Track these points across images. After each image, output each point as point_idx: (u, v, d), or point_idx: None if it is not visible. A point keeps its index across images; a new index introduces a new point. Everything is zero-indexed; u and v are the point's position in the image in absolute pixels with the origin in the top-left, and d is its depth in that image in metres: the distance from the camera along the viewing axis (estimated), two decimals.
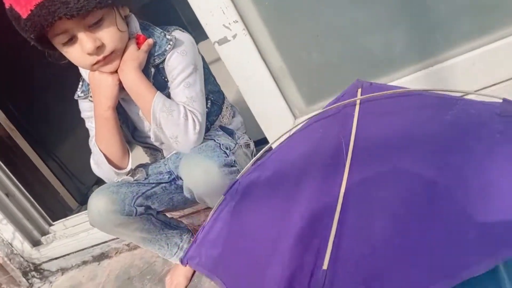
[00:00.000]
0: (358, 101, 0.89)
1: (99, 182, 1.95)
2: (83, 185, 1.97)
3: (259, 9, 1.12)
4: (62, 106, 1.94)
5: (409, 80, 1.12)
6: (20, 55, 1.75)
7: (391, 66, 1.13)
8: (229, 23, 1.11)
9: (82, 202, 1.91)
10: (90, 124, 1.11)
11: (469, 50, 1.07)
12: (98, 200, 1.06)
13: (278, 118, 1.23)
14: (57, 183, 1.85)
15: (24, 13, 0.84)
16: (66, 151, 1.96)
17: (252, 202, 0.89)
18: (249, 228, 0.84)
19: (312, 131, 0.95)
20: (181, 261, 0.84)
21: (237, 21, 1.11)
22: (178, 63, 1.01)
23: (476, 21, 1.06)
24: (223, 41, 1.13)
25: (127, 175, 1.09)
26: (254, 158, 0.89)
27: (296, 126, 0.97)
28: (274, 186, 0.87)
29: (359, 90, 0.93)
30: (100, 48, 0.91)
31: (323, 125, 0.94)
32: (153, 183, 1.12)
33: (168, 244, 1.18)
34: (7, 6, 0.88)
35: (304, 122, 0.98)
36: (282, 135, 0.97)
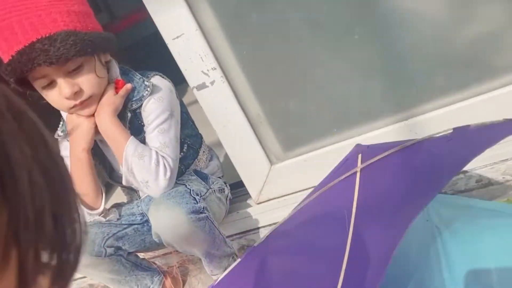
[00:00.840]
0: (358, 170, 0.94)
1: None
2: None
3: (237, 57, 1.17)
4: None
5: (384, 131, 1.16)
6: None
7: (367, 117, 1.17)
8: (208, 70, 1.16)
9: None
10: (67, 162, 1.15)
11: (444, 105, 1.12)
12: None
13: (255, 163, 1.27)
14: None
15: (5, 58, 0.89)
16: None
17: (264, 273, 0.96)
18: None
19: (315, 206, 1.02)
20: None
21: (215, 68, 1.16)
22: (154, 109, 1.05)
23: (451, 77, 1.10)
24: (201, 86, 1.18)
25: (99, 215, 1.12)
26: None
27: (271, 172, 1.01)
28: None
29: (359, 157, 0.99)
30: (78, 93, 0.96)
31: (325, 198, 1.00)
32: (125, 224, 1.15)
33: (138, 286, 1.19)
34: None
35: (305, 197, 1.04)
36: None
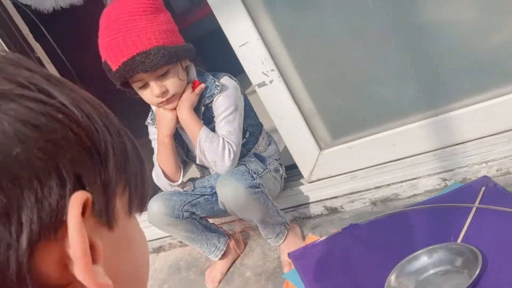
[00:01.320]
0: (475, 207, 1.15)
1: (158, 191, 2.35)
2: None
3: (292, 61, 1.41)
4: (132, 127, 2.37)
5: (416, 125, 1.35)
6: (109, 89, 2.21)
7: (401, 113, 1.37)
8: (267, 71, 1.41)
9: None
10: (154, 144, 1.47)
11: (469, 104, 1.28)
12: (155, 204, 1.41)
13: (307, 149, 1.51)
14: None
15: (114, 67, 1.21)
16: None
17: (356, 249, 1.26)
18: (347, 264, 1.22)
19: (421, 216, 1.25)
20: (288, 254, 1.30)
21: (273, 70, 1.41)
22: (223, 104, 1.33)
23: (475, 80, 1.27)
24: (261, 85, 1.44)
25: (178, 186, 1.43)
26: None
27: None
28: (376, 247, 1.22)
29: (482, 191, 1.20)
30: (164, 92, 1.26)
31: (434, 213, 1.23)
32: (198, 194, 1.46)
33: (208, 244, 1.50)
34: (103, 59, 1.25)
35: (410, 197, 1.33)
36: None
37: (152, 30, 1.19)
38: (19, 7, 1.96)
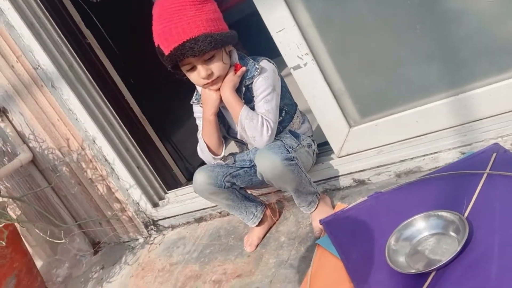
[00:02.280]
0: (485, 175, 1.29)
1: (202, 164, 2.56)
2: (190, 165, 2.58)
3: (325, 45, 1.57)
4: (178, 106, 2.59)
5: (437, 104, 1.50)
6: (152, 68, 2.43)
7: (424, 92, 1.52)
8: (302, 55, 1.58)
9: (189, 178, 2.52)
10: (199, 122, 1.66)
11: (486, 84, 1.42)
12: (200, 175, 1.61)
13: (337, 126, 1.68)
14: (172, 162, 2.48)
15: (166, 52, 1.40)
16: (179, 138, 2.58)
17: (380, 214, 1.42)
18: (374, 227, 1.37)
19: (437, 182, 1.40)
20: (319, 221, 1.47)
21: (307, 53, 1.57)
22: (262, 85, 1.51)
23: (493, 62, 1.41)
24: (296, 67, 1.61)
25: (220, 159, 1.63)
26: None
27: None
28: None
29: (493, 156, 1.34)
30: (210, 75, 1.44)
31: (447, 180, 1.38)
32: (238, 167, 1.65)
33: (246, 212, 1.70)
34: (156, 44, 1.45)
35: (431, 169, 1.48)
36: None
37: (200, 19, 1.37)
38: None
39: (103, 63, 2.24)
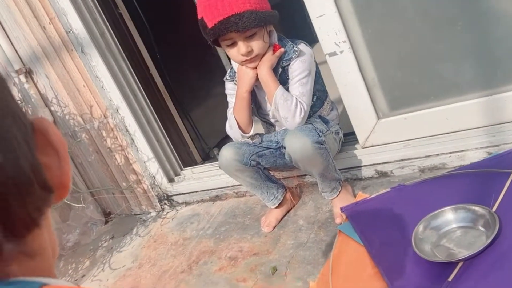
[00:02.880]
0: None
1: (219, 145, 2.58)
2: (207, 146, 2.60)
3: (363, 34, 1.59)
4: (200, 84, 2.60)
5: (469, 103, 1.52)
6: (179, 44, 2.44)
7: (457, 90, 1.54)
8: (339, 42, 1.60)
9: (204, 158, 2.55)
10: (230, 99, 1.68)
11: None
12: (227, 151, 1.63)
13: (365, 116, 1.70)
14: (189, 140, 2.50)
15: (210, 25, 1.42)
16: (198, 117, 2.60)
17: (403, 206, 1.44)
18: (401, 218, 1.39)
19: (462, 179, 1.43)
20: (341, 208, 1.51)
21: (345, 41, 1.59)
22: (298, 68, 1.53)
23: None
24: (332, 54, 1.63)
25: (248, 138, 1.65)
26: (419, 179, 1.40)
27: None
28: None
29: None
30: (250, 52, 1.46)
31: (474, 177, 1.41)
32: (264, 147, 1.67)
33: (267, 193, 1.72)
34: (199, 16, 1.46)
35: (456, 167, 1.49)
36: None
37: None
38: None
39: (132, 35, 2.25)
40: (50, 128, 0.38)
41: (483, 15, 1.42)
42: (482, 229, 1.18)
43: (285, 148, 1.58)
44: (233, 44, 1.47)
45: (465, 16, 1.44)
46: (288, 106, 1.50)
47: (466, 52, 1.50)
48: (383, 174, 1.72)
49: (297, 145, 1.47)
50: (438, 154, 1.59)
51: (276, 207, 1.74)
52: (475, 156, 1.53)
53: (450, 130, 1.59)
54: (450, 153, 1.57)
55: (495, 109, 1.50)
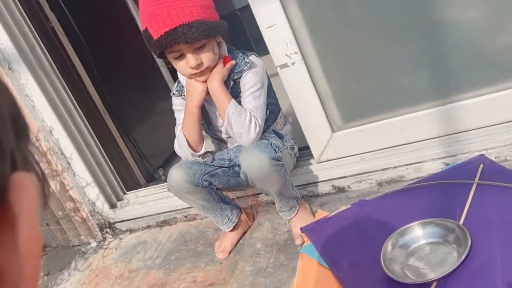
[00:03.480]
0: (475, 183, 1.28)
1: (164, 165, 2.43)
2: (151, 166, 2.44)
3: (314, 45, 1.53)
4: (142, 100, 2.45)
5: (423, 113, 1.50)
6: (118, 59, 2.29)
7: (410, 100, 1.51)
8: (290, 53, 1.53)
9: (149, 180, 2.38)
10: (178, 115, 1.56)
11: (474, 96, 1.44)
12: (176, 172, 1.50)
13: (319, 130, 1.64)
14: (132, 161, 2.33)
15: (155, 36, 1.30)
16: (141, 136, 2.44)
17: (365, 222, 1.38)
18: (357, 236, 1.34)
19: (424, 193, 1.38)
20: (301, 228, 1.41)
21: (296, 52, 1.52)
22: (250, 80, 1.44)
23: (481, 74, 1.42)
24: (283, 66, 1.55)
25: (199, 157, 1.53)
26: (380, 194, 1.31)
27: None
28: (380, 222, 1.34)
29: (480, 167, 1.33)
30: (199, 65, 1.35)
31: (436, 190, 1.36)
32: (217, 166, 1.56)
33: (221, 215, 1.60)
34: (143, 27, 1.34)
35: (417, 179, 1.45)
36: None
37: (195, 4, 1.29)
38: None
39: (66, 50, 2.08)
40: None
41: (434, 25, 1.41)
42: (452, 245, 1.13)
43: (239, 166, 1.47)
44: (181, 56, 1.36)
45: (416, 27, 1.42)
46: (242, 121, 1.40)
47: (419, 62, 1.47)
48: (341, 190, 1.65)
49: (253, 162, 1.37)
50: (395, 167, 1.55)
51: (231, 230, 1.63)
52: (432, 167, 1.50)
53: (406, 142, 1.56)
54: (407, 165, 1.53)
55: (449, 119, 1.48)
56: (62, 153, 1.99)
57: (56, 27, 2.04)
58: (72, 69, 2.08)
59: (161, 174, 2.38)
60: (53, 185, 2.07)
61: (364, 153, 1.62)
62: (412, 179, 1.53)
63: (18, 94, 1.88)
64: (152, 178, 2.41)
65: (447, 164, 1.48)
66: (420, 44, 1.45)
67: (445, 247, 1.14)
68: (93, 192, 2.06)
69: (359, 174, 1.61)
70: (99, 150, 2.10)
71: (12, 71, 1.85)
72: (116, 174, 2.15)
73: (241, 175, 1.46)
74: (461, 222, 1.19)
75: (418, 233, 1.19)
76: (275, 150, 1.40)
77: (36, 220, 0.28)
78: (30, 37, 1.86)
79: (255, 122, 1.41)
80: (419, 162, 1.52)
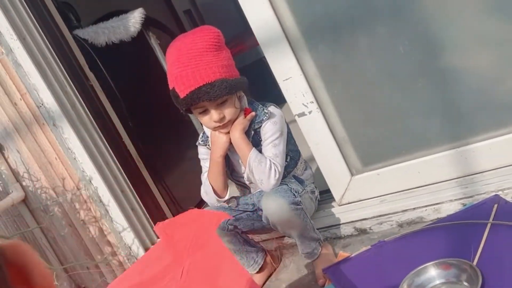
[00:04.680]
0: (489, 224, 1.32)
1: (194, 208, 2.53)
2: (182, 210, 2.55)
3: (329, 95, 1.62)
4: (173, 148, 2.60)
5: (439, 156, 1.55)
6: (151, 111, 2.46)
7: (426, 144, 1.57)
8: (307, 103, 1.63)
9: None
10: (204, 164, 1.67)
11: (486, 138, 1.48)
12: None
13: (339, 174, 1.70)
14: (165, 206, 2.45)
15: (181, 95, 1.43)
16: (172, 182, 2.56)
17: (385, 263, 1.43)
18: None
19: (441, 233, 1.42)
20: (323, 270, 1.47)
21: (313, 102, 1.62)
22: (270, 129, 1.54)
23: (493, 117, 1.47)
24: (301, 115, 1.65)
25: (224, 202, 1.63)
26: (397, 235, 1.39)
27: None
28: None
29: (495, 208, 1.38)
30: (222, 118, 1.47)
31: (452, 230, 1.40)
32: (241, 210, 1.64)
33: (247, 257, 1.67)
34: (170, 87, 1.47)
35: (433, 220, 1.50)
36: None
37: (216, 65, 1.41)
38: (78, 41, 2.21)
39: (104, 105, 2.25)
40: (28, 261, 0.33)
41: (443, 71, 1.48)
42: (466, 284, 1.16)
43: (261, 210, 1.55)
44: (205, 111, 1.48)
45: (426, 73, 1.50)
46: (262, 168, 1.49)
47: (431, 107, 1.54)
48: (362, 231, 1.70)
49: (274, 207, 1.45)
50: (414, 208, 1.59)
51: (257, 272, 1.69)
52: (451, 208, 1.53)
53: (423, 184, 1.60)
54: (426, 206, 1.57)
55: (464, 161, 1.52)
56: (101, 201, 2.12)
57: (94, 85, 2.22)
58: (109, 122, 2.25)
59: None
60: (92, 230, 2.20)
61: (383, 195, 1.67)
62: (431, 220, 1.56)
63: (61, 147, 2.04)
64: None
65: (464, 205, 1.52)
66: (431, 90, 1.52)
67: (459, 286, 1.17)
68: (129, 237, 2.18)
69: (379, 216, 1.66)
70: (134, 196, 2.22)
71: (56, 127, 2.02)
72: (150, 219, 2.26)
73: (263, 219, 1.54)
74: (475, 261, 1.22)
75: (433, 273, 1.23)
76: (294, 194, 1.48)
77: None
78: (72, 96, 2.04)
79: (275, 169, 1.49)
80: (437, 204, 1.56)
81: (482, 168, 1.50)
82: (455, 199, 1.53)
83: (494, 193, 1.46)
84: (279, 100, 1.69)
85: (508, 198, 1.45)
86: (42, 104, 2.00)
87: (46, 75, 1.98)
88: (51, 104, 1.98)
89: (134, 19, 2.37)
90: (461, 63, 1.47)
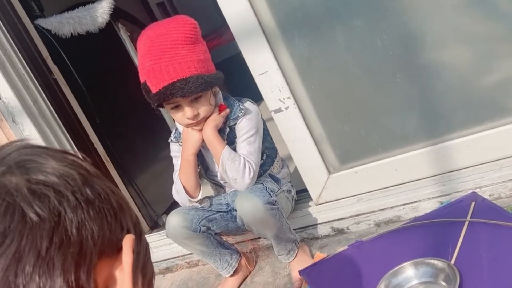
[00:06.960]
0: (466, 222, 1.37)
1: (168, 212, 2.53)
2: (154, 213, 2.54)
3: (306, 90, 1.65)
4: (145, 147, 2.59)
5: (416, 153, 1.59)
6: (120, 107, 2.44)
7: (403, 141, 1.61)
8: (283, 98, 1.65)
9: (152, 227, 2.48)
10: (176, 162, 1.68)
11: (464, 135, 1.54)
12: (174, 218, 1.60)
13: (316, 172, 1.74)
14: (136, 208, 2.45)
15: (153, 90, 1.42)
16: (143, 183, 2.56)
17: (362, 263, 1.45)
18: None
19: (419, 231, 1.46)
20: (299, 271, 1.48)
21: (289, 97, 1.65)
22: (245, 126, 1.56)
23: (471, 114, 1.53)
24: (278, 111, 1.67)
25: (196, 202, 1.64)
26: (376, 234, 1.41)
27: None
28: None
29: (472, 205, 1.43)
30: (196, 115, 1.48)
31: (430, 228, 1.44)
32: (214, 211, 1.66)
33: (221, 260, 1.69)
34: (142, 80, 1.47)
35: (411, 219, 1.53)
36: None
37: (191, 59, 1.42)
38: (40, 31, 2.18)
39: (68, 101, 2.23)
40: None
41: (422, 67, 1.53)
42: (443, 283, 1.20)
43: (236, 210, 1.57)
44: (178, 107, 1.49)
45: (404, 69, 1.54)
46: (236, 166, 1.51)
47: (409, 104, 1.59)
48: (340, 231, 1.74)
49: (248, 207, 1.48)
50: (392, 207, 1.64)
51: (231, 275, 1.71)
52: (428, 206, 1.58)
53: (401, 181, 1.65)
54: (404, 204, 1.62)
55: (442, 158, 1.57)
56: None
57: (58, 78, 2.20)
58: (75, 119, 2.23)
59: (164, 221, 2.47)
60: None
61: (361, 194, 1.71)
62: (409, 219, 1.61)
63: None
64: (156, 224, 2.51)
65: (442, 203, 1.57)
66: (409, 86, 1.57)
67: (437, 286, 1.22)
68: None
69: (357, 215, 1.70)
70: None
71: (15, 123, 2.00)
72: None
73: (237, 219, 1.56)
74: (453, 260, 1.27)
75: (410, 273, 1.27)
76: (270, 194, 1.50)
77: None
78: (33, 90, 2.02)
79: (249, 168, 1.51)
80: (415, 202, 1.61)
81: (459, 165, 1.56)
82: (433, 197, 1.58)
83: (471, 191, 1.52)
84: (258, 96, 1.71)
85: (485, 196, 1.50)
86: (0, 99, 1.97)
87: (4, 67, 1.96)
88: (10, 99, 1.96)
89: (102, 9, 2.35)
90: (439, 59, 1.52)
